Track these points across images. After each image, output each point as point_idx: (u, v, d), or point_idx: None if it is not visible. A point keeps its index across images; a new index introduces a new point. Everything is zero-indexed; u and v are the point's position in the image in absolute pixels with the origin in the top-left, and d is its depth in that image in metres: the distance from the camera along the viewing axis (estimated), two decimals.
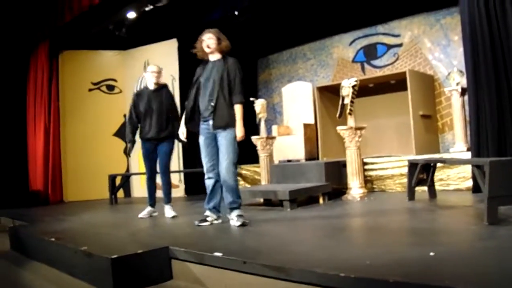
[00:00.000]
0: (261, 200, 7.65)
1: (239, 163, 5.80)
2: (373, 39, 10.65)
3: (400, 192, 7.65)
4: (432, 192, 6.48)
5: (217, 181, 5.38)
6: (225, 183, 5.25)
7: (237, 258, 3.39)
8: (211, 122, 5.31)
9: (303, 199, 7.16)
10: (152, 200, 6.82)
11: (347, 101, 7.33)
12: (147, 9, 10.24)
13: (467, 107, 7.35)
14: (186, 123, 5.55)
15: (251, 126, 8.95)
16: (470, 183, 6.90)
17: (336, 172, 7.81)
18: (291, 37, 11.81)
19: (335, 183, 7.64)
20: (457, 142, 8.07)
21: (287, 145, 10.15)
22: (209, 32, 5.43)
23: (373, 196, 7.39)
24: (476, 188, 6.45)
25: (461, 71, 7.96)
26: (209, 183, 5.42)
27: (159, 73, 6.77)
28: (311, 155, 10.09)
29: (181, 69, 11.14)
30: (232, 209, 5.34)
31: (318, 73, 11.63)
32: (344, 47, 11.11)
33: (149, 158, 6.68)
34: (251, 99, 8.99)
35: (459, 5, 7.13)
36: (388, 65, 10.32)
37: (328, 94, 10.23)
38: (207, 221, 5.43)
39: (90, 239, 5.06)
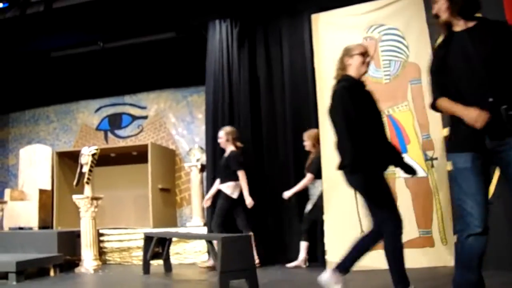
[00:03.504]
0: None
1: None
2: (119, 108, 10.65)
3: (136, 265, 7.51)
4: (168, 266, 6.52)
5: None
6: None
7: None
8: None
9: (32, 271, 6.68)
10: None
11: (85, 169, 7.20)
12: None
13: (205, 183, 7.62)
14: None
15: None
16: (206, 257, 7.05)
17: (70, 243, 7.48)
18: (36, 96, 11.13)
19: (68, 254, 7.30)
20: (194, 216, 8.32)
21: (19, 211, 9.47)
22: None
23: (108, 269, 7.19)
24: None
25: (201, 148, 8.33)
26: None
27: None
28: (45, 224, 9.55)
29: None
30: None
31: (60, 137, 11.15)
32: (89, 113, 10.89)
33: None
34: None
35: (206, 85, 7.56)
36: (132, 136, 10.37)
37: (68, 160, 9.86)
38: None
39: None
